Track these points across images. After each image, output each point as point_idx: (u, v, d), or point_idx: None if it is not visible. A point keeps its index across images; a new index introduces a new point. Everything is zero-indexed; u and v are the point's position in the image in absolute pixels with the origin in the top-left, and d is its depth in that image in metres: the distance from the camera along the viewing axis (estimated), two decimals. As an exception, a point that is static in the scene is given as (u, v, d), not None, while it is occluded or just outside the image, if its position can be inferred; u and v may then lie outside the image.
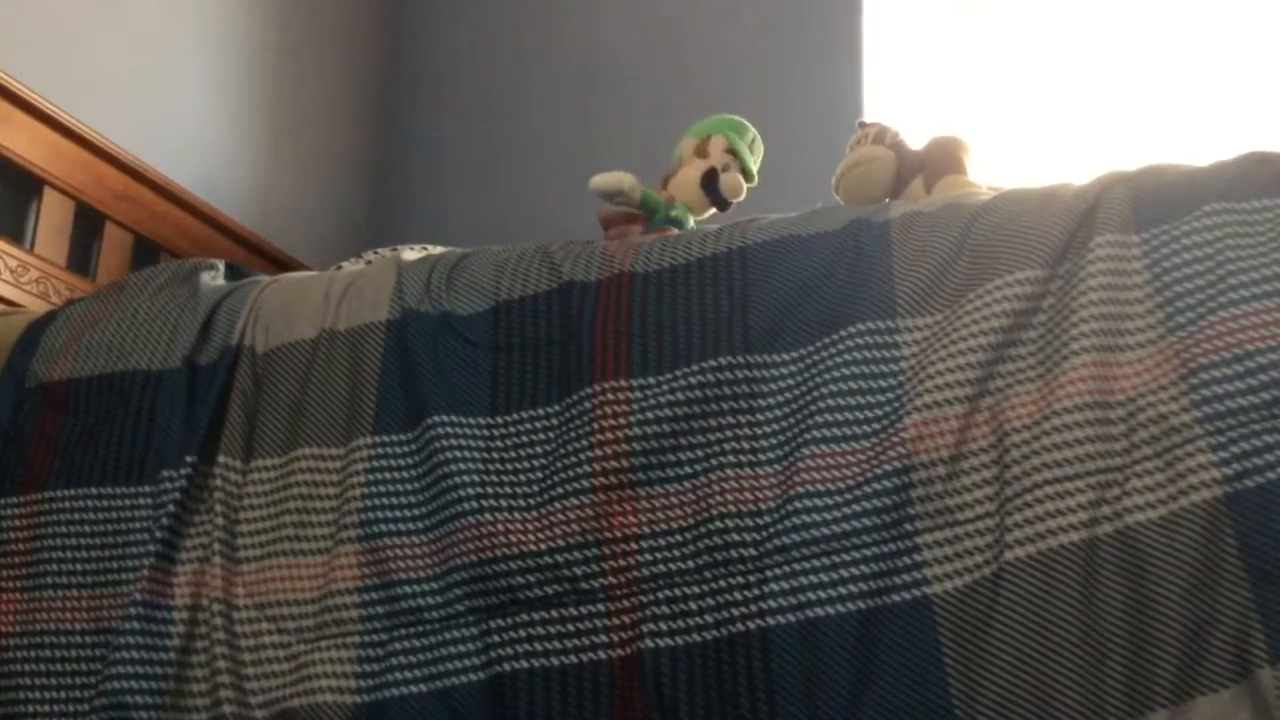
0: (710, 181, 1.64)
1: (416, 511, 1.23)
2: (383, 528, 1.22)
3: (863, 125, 1.61)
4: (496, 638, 1.16)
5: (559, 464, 1.21)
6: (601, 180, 1.56)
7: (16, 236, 1.91)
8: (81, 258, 2.05)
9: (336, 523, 1.25)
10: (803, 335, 1.20)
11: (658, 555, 1.14)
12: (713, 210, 1.69)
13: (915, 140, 1.56)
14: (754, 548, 1.11)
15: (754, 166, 1.71)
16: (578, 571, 1.15)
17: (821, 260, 1.24)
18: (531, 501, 1.20)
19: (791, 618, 1.07)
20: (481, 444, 1.25)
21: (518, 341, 1.30)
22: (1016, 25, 2.71)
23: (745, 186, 1.68)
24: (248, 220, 2.47)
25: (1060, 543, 1.02)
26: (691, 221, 1.66)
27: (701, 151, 1.68)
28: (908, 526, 1.08)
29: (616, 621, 1.13)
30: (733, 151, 1.67)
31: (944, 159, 1.48)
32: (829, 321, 1.20)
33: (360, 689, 1.17)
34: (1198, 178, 1.16)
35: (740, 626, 1.08)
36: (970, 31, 2.74)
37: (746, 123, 1.73)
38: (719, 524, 1.13)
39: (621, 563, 1.15)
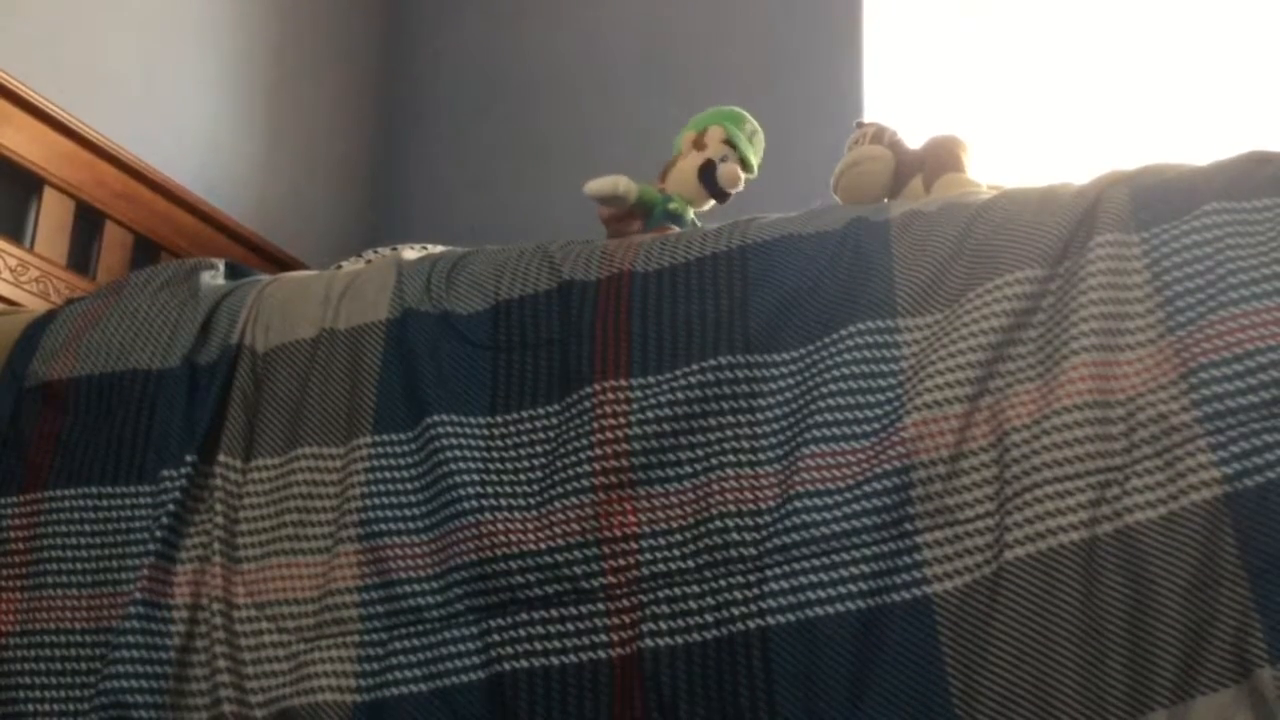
0: (707, 172, 1.64)
1: (416, 511, 1.23)
2: (383, 527, 1.22)
3: (860, 125, 1.61)
4: (496, 637, 1.16)
5: (559, 463, 1.21)
6: (596, 185, 1.56)
7: (16, 235, 1.91)
8: (81, 257, 2.05)
9: (336, 522, 1.25)
10: (803, 335, 1.20)
11: (658, 555, 1.14)
12: (712, 202, 1.68)
13: (914, 140, 1.56)
14: (754, 547, 1.11)
15: (754, 158, 1.70)
16: (578, 571, 1.15)
17: (821, 260, 1.24)
18: (531, 501, 1.20)
19: (791, 617, 1.07)
20: (481, 443, 1.25)
21: (518, 341, 1.30)
22: (1016, 25, 2.71)
23: (743, 177, 1.67)
24: (247, 219, 2.47)
25: (1060, 542, 1.02)
26: (691, 214, 1.65)
27: (699, 143, 1.68)
28: (908, 526, 1.08)
29: (616, 621, 1.13)
30: (730, 142, 1.67)
31: (943, 157, 1.48)
32: (829, 321, 1.20)
33: (360, 688, 1.17)
34: (1198, 177, 1.16)
35: (740, 626, 1.08)
36: (970, 31, 2.74)
37: (746, 114, 1.72)
38: (719, 523, 1.13)
39: (621, 562, 1.15)
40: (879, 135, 1.56)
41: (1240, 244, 1.09)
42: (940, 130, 1.55)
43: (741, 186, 1.67)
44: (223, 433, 1.33)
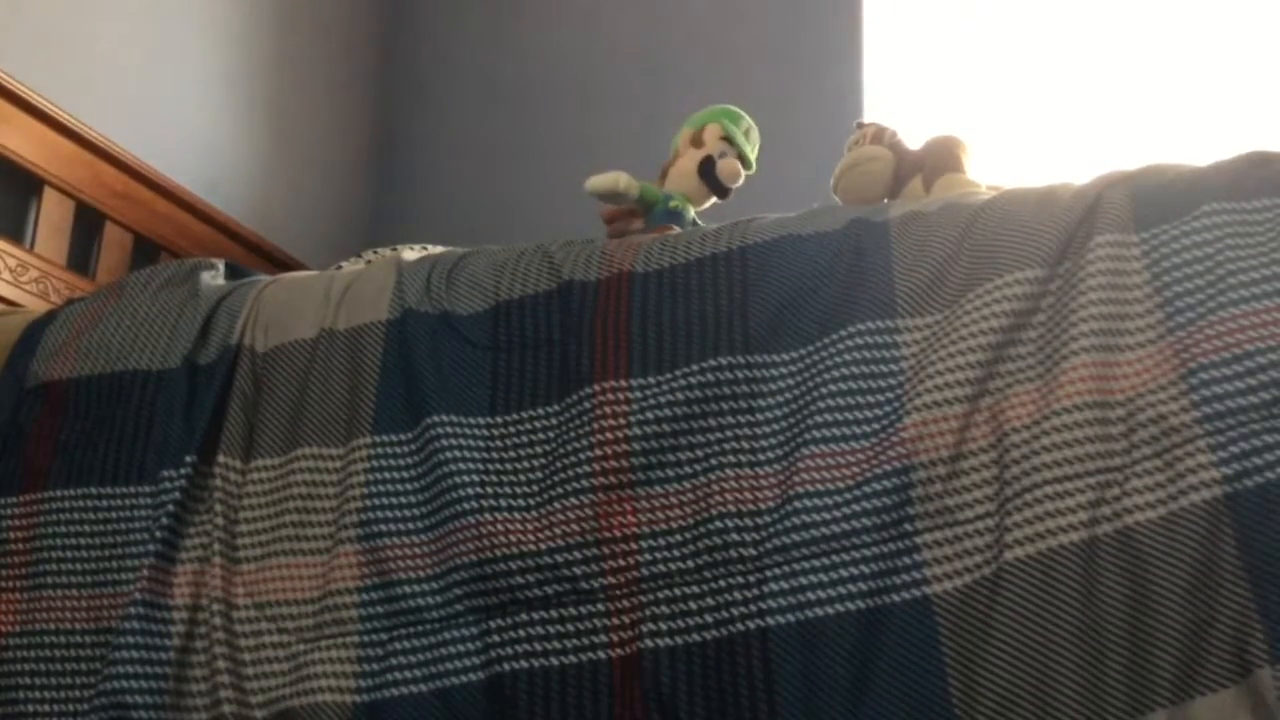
0: (707, 168, 1.64)
1: (416, 511, 1.23)
2: (382, 527, 1.22)
3: (860, 126, 1.61)
4: (496, 637, 1.16)
5: (559, 464, 1.21)
6: (597, 181, 1.57)
7: (16, 236, 1.91)
8: (81, 257, 2.05)
9: (336, 522, 1.25)
10: (803, 335, 1.20)
11: (658, 555, 1.14)
12: (713, 200, 1.69)
13: (914, 140, 1.56)
14: (754, 547, 1.11)
15: (751, 154, 1.71)
16: (577, 571, 1.15)
17: (821, 260, 1.24)
18: (531, 501, 1.20)
19: (791, 618, 1.07)
20: (481, 444, 1.25)
21: (517, 341, 1.30)
22: (1017, 25, 2.71)
23: (743, 173, 1.68)
24: (247, 220, 2.47)
25: (1060, 542, 1.02)
26: (692, 212, 1.66)
27: (697, 141, 1.68)
28: (907, 526, 1.08)
29: (616, 621, 1.13)
30: (728, 139, 1.67)
31: (943, 158, 1.48)
32: (829, 321, 1.20)
33: (360, 689, 1.17)
34: (1197, 177, 1.16)
35: (740, 626, 1.08)
36: (970, 31, 2.74)
37: (741, 111, 1.73)
38: (719, 524, 1.13)
39: (621, 562, 1.15)
40: (879, 135, 1.56)
41: (1240, 244, 1.09)
42: (940, 130, 1.56)
43: (741, 182, 1.67)
44: (222, 433, 1.33)
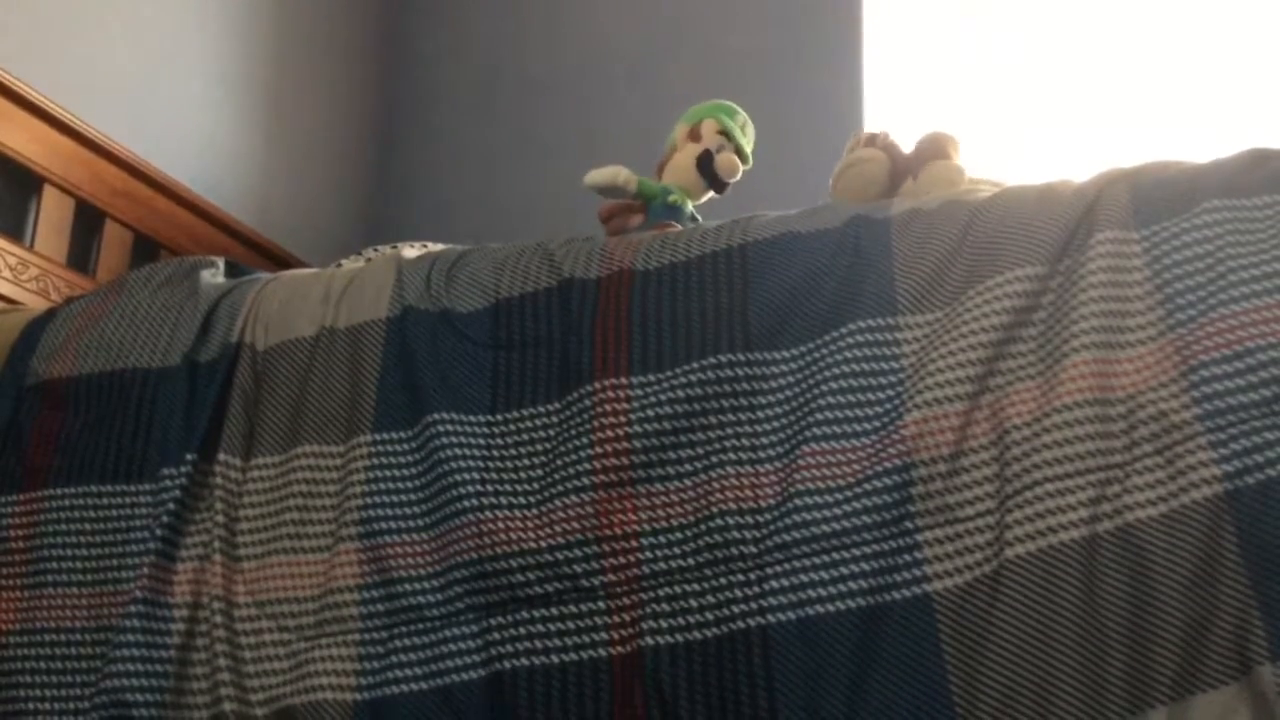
0: (705, 162, 1.64)
1: (417, 509, 1.23)
2: (383, 525, 1.22)
3: (857, 135, 1.62)
4: (497, 635, 1.16)
5: (559, 461, 1.21)
6: (596, 175, 1.57)
7: (16, 234, 1.91)
8: (81, 255, 2.05)
9: (337, 520, 1.25)
10: (803, 332, 1.20)
11: (658, 553, 1.14)
12: (710, 194, 1.68)
13: (909, 140, 1.57)
14: (754, 545, 1.11)
15: (748, 148, 1.71)
16: (578, 569, 1.15)
17: (822, 257, 1.24)
18: (532, 499, 1.20)
19: (792, 615, 1.07)
20: (482, 442, 1.24)
21: (518, 339, 1.30)
22: (1017, 27, 2.71)
23: (741, 168, 1.68)
24: (247, 217, 2.47)
25: (1061, 540, 1.02)
26: (690, 206, 1.66)
27: (694, 136, 1.68)
28: (908, 524, 1.08)
29: (617, 619, 1.13)
30: (725, 133, 1.67)
31: (930, 149, 1.50)
32: (829, 319, 1.20)
33: (361, 686, 1.17)
34: (1198, 175, 1.16)
35: (741, 624, 1.08)
36: (970, 34, 2.74)
37: (736, 106, 1.73)
38: (719, 521, 1.13)
39: (622, 560, 1.15)
40: (872, 139, 1.57)
41: (1240, 241, 1.09)
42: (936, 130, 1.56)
43: (739, 176, 1.67)
44: (223, 431, 1.33)
